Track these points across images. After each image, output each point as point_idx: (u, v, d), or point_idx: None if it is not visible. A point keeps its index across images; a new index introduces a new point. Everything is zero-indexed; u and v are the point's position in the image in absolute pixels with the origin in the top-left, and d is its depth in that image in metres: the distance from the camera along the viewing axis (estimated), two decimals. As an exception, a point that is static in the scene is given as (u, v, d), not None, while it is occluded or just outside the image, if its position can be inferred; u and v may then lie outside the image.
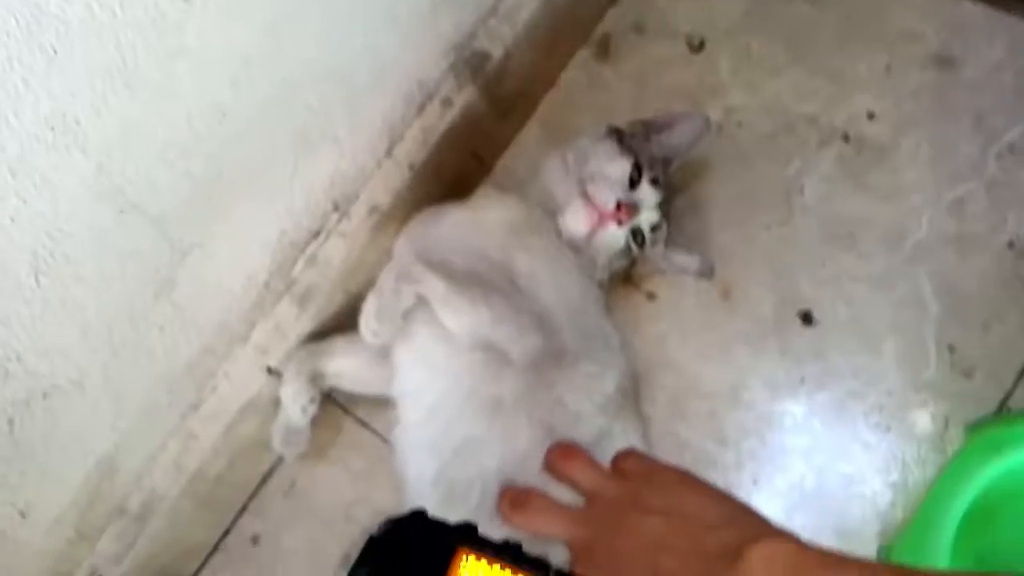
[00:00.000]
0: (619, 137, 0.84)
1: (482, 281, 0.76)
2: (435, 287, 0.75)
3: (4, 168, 0.52)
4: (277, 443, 0.85)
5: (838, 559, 0.45)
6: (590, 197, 0.79)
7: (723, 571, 0.47)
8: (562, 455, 0.63)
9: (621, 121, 0.87)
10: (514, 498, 0.62)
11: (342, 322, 0.86)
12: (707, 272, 0.89)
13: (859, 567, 0.44)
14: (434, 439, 0.74)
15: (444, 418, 0.75)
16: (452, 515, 0.47)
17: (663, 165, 0.85)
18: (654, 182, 0.82)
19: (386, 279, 0.78)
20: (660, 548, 0.51)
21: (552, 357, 0.76)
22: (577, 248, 0.81)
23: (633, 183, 0.81)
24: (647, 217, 0.82)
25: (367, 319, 0.76)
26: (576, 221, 0.80)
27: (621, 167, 0.81)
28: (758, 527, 0.51)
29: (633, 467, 0.61)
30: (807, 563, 0.45)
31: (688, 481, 0.57)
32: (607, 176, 0.80)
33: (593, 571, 0.55)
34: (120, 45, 0.55)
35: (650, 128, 0.86)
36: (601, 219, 0.79)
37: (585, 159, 0.82)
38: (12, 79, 0.50)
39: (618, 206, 0.79)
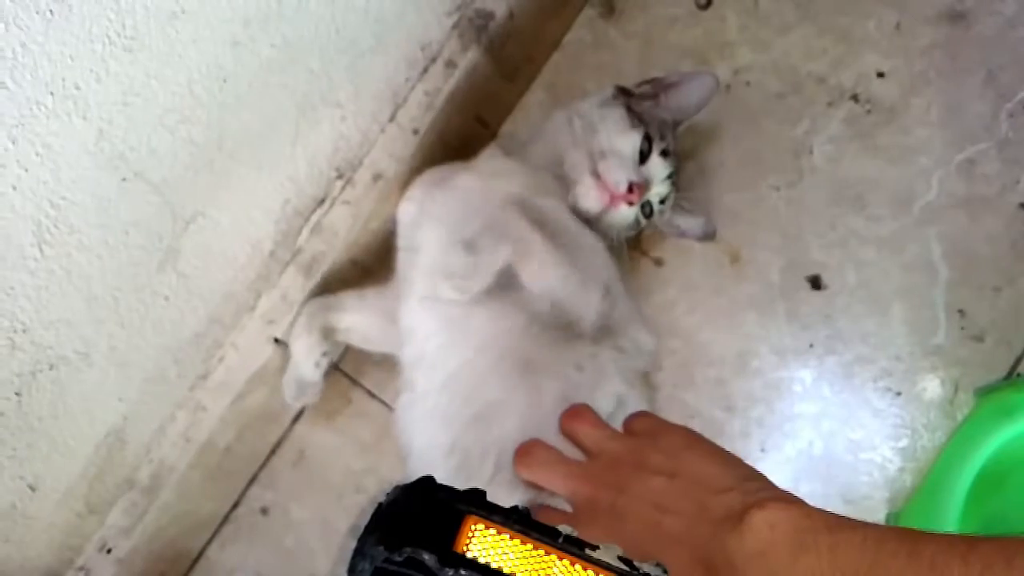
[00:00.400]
0: (626, 101, 0.82)
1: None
2: (533, 240, 0.73)
3: (4, 135, 0.51)
4: (289, 395, 0.84)
5: (843, 522, 0.45)
6: (601, 176, 0.77)
7: (727, 534, 0.47)
8: (572, 414, 0.64)
9: (627, 82, 0.86)
10: (519, 450, 0.62)
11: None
12: (710, 235, 0.87)
13: (864, 530, 0.43)
14: (452, 407, 0.73)
15: (466, 384, 0.73)
16: (464, 485, 0.47)
17: (672, 128, 0.83)
18: (664, 154, 0.80)
19: (455, 237, 0.75)
20: (663, 509, 0.52)
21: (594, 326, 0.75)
22: (587, 219, 0.80)
23: (643, 156, 0.79)
24: (657, 191, 0.81)
25: (457, 278, 0.73)
26: (588, 200, 0.78)
27: (631, 142, 0.79)
28: (763, 491, 0.50)
29: (641, 427, 0.61)
30: (812, 526, 0.44)
31: (695, 444, 0.57)
32: (618, 152, 0.78)
33: (594, 527, 0.54)
34: (119, 7, 0.54)
35: (658, 88, 0.84)
36: (613, 200, 0.78)
37: (593, 128, 0.80)
38: (9, 42, 0.49)
39: (630, 187, 0.77)
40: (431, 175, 0.83)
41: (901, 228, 0.87)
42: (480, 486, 0.45)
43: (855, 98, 0.91)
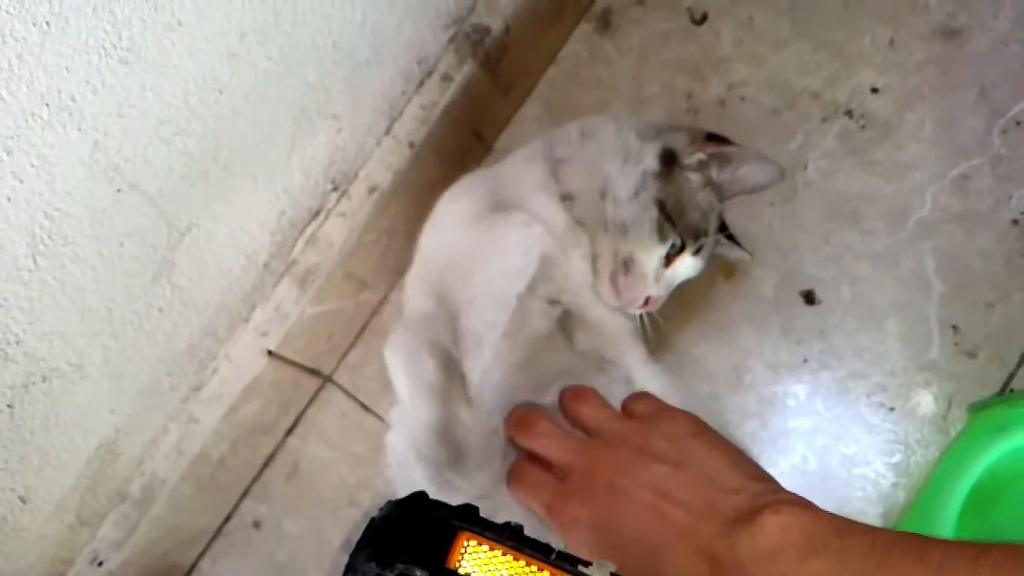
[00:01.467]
0: (671, 164, 0.75)
1: None
2: None
3: (-1, 146, 0.51)
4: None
5: (853, 527, 0.45)
6: (619, 287, 0.74)
7: (737, 535, 0.47)
8: (575, 394, 0.63)
9: (622, 96, 0.86)
10: (520, 417, 0.62)
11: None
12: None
13: (872, 534, 0.44)
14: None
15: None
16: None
17: (720, 201, 0.78)
18: (698, 251, 0.76)
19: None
20: (666, 498, 0.51)
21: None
22: None
23: (668, 260, 0.75)
24: (684, 276, 0.77)
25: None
26: (604, 294, 0.75)
27: (657, 255, 0.73)
28: (773, 492, 0.50)
29: (644, 409, 0.60)
30: (822, 530, 0.45)
31: (699, 432, 0.56)
32: (640, 265, 0.73)
33: (587, 502, 0.54)
34: (115, 19, 0.54)
35: (718, 159, 0.77)
36: (629, 304, 0.75)
37: (625, 199, 0.74)
38: (6, 54, 0.49)
39: (646, 300, 0.74)
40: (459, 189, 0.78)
41: (895, 243, 0.87)
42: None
43: (849, 114, 0.91)
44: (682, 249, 0.75)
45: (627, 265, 0.73)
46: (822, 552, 0.43)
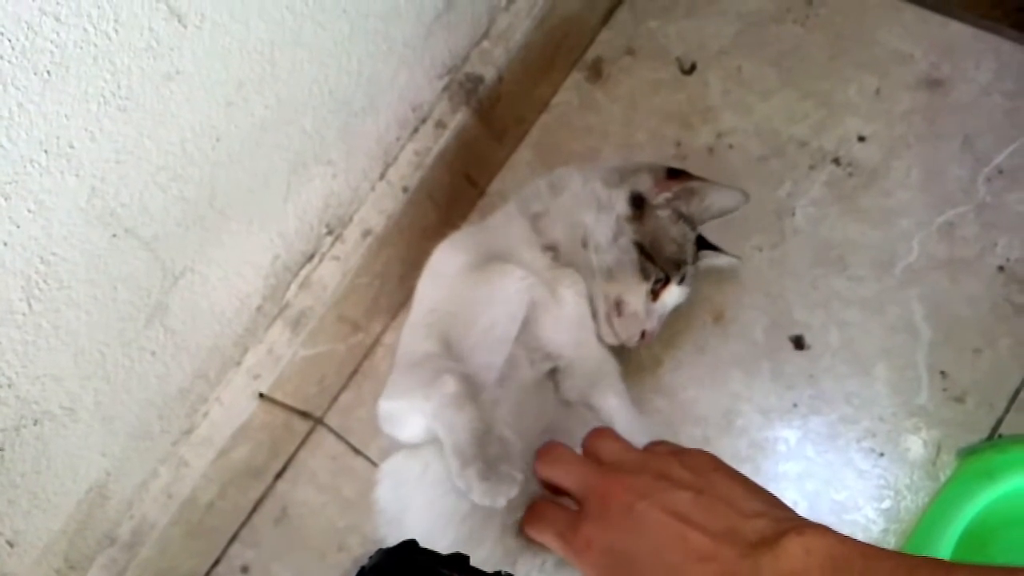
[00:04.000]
0: (641, 206, 0.79)
1: None
2: None
3: (-2, 192, 0.52)
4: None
5: (878, 551, 0.44)
6: (615, 330, 0.78)
7: (760, 557, 0.46)
8: (595, 434, 0.62)
9: (612, 145, 0.87)
10: (541, 450, 0.61)
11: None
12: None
13: (898, 558, 0.43)
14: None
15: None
16: None
17: (691, 224, 0.82)
18: (682, 280, 0.80)
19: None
20: (688, 523, 0.50)
21: None
22: None
23: (655, 294, 0.79)
24: (673, 304, 0.82)
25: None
26: (603, 335, 0.79)
27: (643, 291, 0.78)
28: (794, 519, 0.50)
29: (663, 448, 0.60)
30: (847, 552, 0.44)
31: (721, 466, 0.56)
32: (630, 306, 0.78)
33: (603, 527, 0.53)
34: (115, 68, 0.55)
35: (682, 195, 0.81)
36: (628, 341, 0.79)
37: (606, 246, 0.78)
38: (6, 102, 0.50)
39: (642, 334, 0.79)
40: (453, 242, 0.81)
41: (883, 290, 0.88)
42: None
43: (836, 161, 0.93)
44: (667, 282, 0.79)
45: (619, 306, 0.78)
46: (846, 574, 0.43)
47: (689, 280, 0.81)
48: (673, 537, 0.50)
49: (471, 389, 0.67)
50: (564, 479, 0.59)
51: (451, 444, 0.64)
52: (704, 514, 0.50)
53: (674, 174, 0.82)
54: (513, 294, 0.74)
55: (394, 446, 0.74)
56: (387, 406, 0.73)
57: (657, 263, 0.78)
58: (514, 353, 0.72)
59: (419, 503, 0.70)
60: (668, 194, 0.80)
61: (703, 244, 0.84)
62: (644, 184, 0.80)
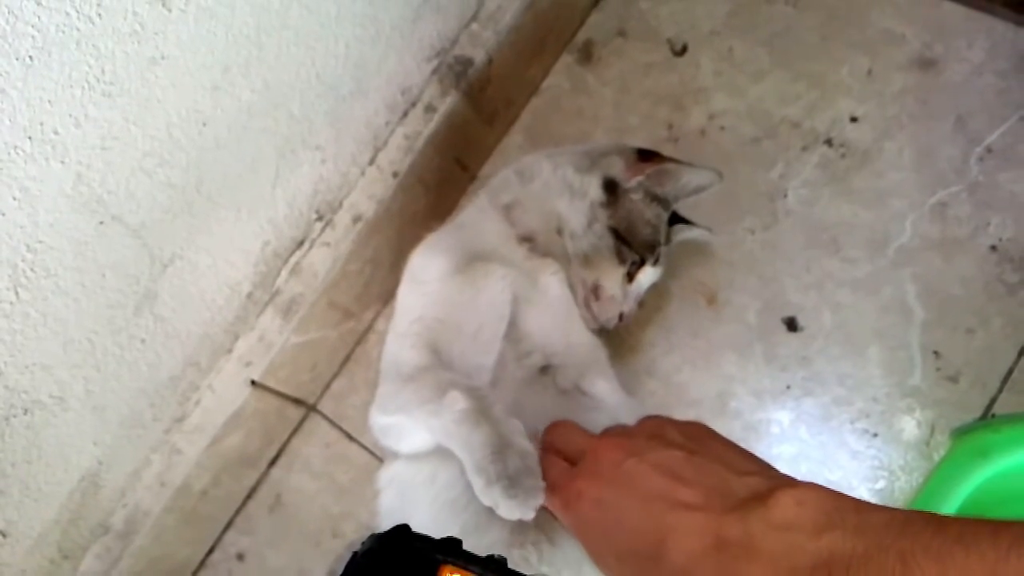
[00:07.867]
0: (614, 191, 0.79)
1: None
2: None
3: (-19, 180, 0.51)
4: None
5: (870, 505, 0.44)
6: (594, 313, 0.78)
7: (750, 511, 0.46)
8: (552, 427, 0.63)
9: (603, 127, 0.86)
10: (549, 426, 0.63)
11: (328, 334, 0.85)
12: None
13: (891, 512, 0.43)
14: None
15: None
16: None
17: (667, 208, 0.82)
18: (656, 261, 0.80)
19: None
20: (679, 479, 0.50)
21: None
22: None
23: (631, 276, 0.79)
24: (649, 282, 0.82)
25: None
26: (585, 320, 0.79)
27: (619, 276, 0.78)
28: (788, 478, 0.50)
29: (659, 420, 0.60)
30: (840, 505, 0.44)
31: (716, 435, 0.56)
32: (607, 291, 0.78)
33: (591, 480, 0.54)
34: (99, 53, 0.54)
35: (660, 177, 0.80)
36: (607, 323, 0.79)
37: (585, 255, 0.78)
38: (-12, 88, 0.49)
39: (620, 316, 0.79)
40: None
41: (876, 270, 0.88)
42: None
43: (829, 142, 0.92)
44: (642, 263, 0.79)
45: (596, 291, 0.78)
46: (839, 526, 0.43)
47: (664, 261, 0.81)
48: (662, 492, 0.50)
49: (483, 403, 0.65)
50: (565, 444, 0.60)
51: (472, 463, 0.62)
52: (695, 472, 0.51)
53: (645, 155, 0.81)
54: (498, 294, 0.74)
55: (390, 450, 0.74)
56: (385, 420, 0.72)
57: (632, 247, 0.78)
58: (503, 352, 0.72)
59: (426, 512, 0.70)
60: (641, 177, 0.79)
61: (675, 219, 0.84)
62: (616, 168, 0.80)
